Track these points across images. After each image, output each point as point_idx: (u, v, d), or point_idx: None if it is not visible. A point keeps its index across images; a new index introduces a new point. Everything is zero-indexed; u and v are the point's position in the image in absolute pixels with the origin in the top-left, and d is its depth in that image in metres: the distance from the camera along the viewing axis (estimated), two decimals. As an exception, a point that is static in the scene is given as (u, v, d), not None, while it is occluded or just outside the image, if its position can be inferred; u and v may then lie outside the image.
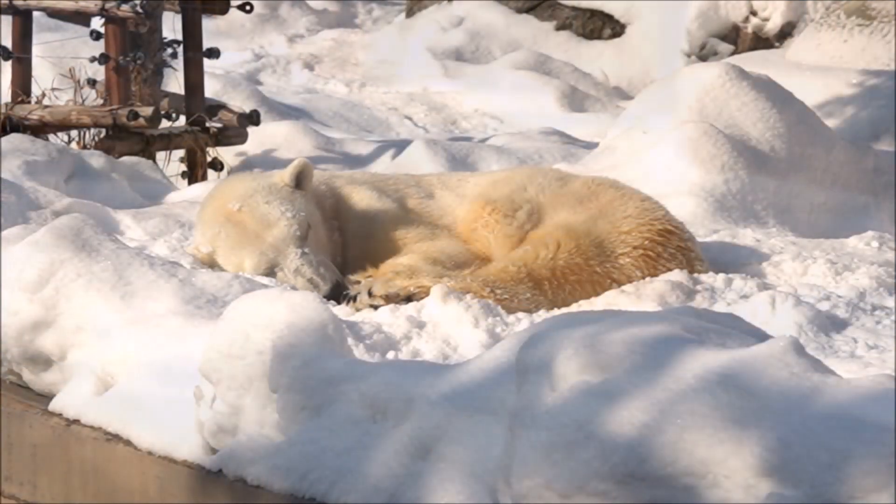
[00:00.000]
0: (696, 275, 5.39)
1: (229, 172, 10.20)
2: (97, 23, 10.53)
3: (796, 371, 2.98)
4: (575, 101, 14.68)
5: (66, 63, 11.05)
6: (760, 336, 3.47)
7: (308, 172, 5.71)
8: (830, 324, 4.90)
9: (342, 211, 5.84)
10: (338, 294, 5.35)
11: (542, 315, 5.05)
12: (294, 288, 5.31)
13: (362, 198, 5.84)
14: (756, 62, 12.31)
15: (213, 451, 3.87)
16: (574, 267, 5.36)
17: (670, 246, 5.51)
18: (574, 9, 17.09)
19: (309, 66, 16.60)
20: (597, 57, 16.66)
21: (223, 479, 3.77)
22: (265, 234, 5.51)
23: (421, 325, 4.72)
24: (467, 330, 4.69)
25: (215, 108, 10.60)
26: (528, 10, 17.28)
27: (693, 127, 7.39)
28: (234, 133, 10.54)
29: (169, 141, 10.11)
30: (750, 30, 16.37)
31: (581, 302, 5.27)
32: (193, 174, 10.25)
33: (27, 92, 10.11)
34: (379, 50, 17.09)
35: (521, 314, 5.00)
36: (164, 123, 10.14)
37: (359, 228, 5.79)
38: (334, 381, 3.64)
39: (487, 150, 9.55)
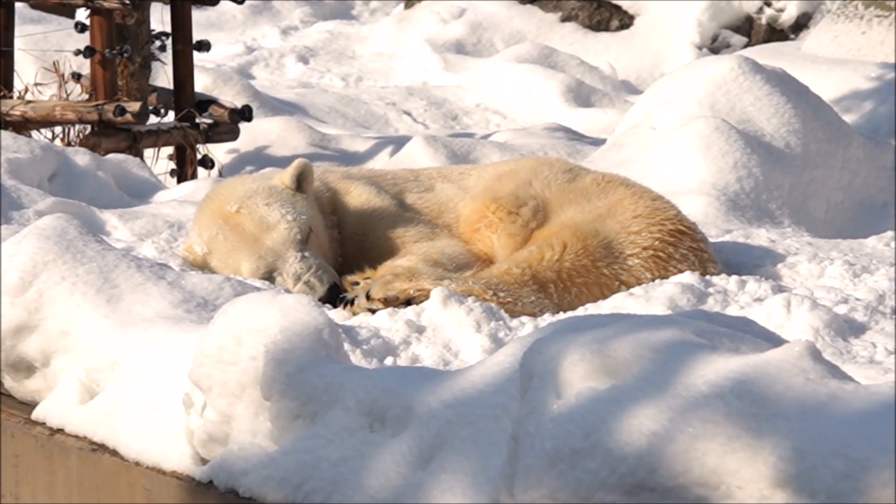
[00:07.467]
0: (708, 277, 5.34)
1: (220, 170, 10.19)
2: (82, 14, 10.52)
3: (812, 377, 2.93)
4: (581, 95, 14.64)
5: (49, 56, 11.08)
6: (775, 341, 3.42)
7: (309, 174, 5.66)
8: (848, 328, 4.85)
9: (338, 207, 5.81)
10: (334, 297, 5.30)
11: (547, 319, 4.99)
12: (290, 292, 5.25)
13: (359, 193, 5.79)
14: (770, 55, 12.29)
15: (204, 461, 3.81)
16: (581, 269, 5.31)
17: (682, 247, 5.46)
18: (580, -1, 17.09)
19: (303, 60, 16.61)
20: (604, 49, 16.66)
21: (214, 491, 3.72)
22: (264, 237, 5.45)
23: (421, 330, 4.68)
24: (469, 334, 4.64)
25: (206, 103, 10.57)
26: (533, 1, 17.28)
27: (704, 122, 7.39)
28: (225, 129, 10.51)
29: (157, 137, 10.10)
30: (764, 21, 16.35)
31: (588, 305, 5.23)
32: (183, 172, 10.26)
33: (9, 87, 10.09)
34: (376, 42, 17.12)
35: (525, 318, 4.93)
36: (152, 119, 10.15)
37: (355, 226, 5.75)
38: (330, 387, 3.59)
39: (490, 147, 9.54)
